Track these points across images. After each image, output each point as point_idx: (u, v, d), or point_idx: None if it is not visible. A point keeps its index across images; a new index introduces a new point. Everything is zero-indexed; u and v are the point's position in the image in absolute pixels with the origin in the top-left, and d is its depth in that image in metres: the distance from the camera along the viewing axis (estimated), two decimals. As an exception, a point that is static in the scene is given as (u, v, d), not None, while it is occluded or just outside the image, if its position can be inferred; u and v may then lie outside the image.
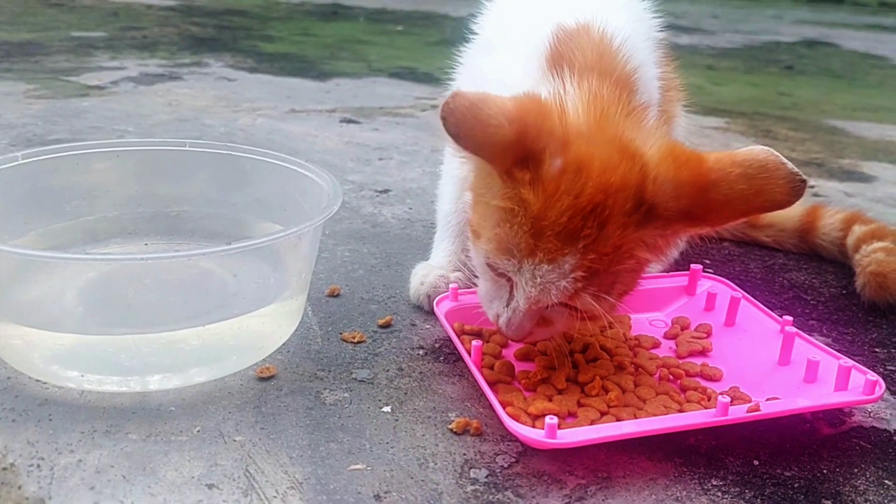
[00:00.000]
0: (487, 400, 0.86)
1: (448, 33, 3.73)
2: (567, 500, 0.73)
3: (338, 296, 1.09)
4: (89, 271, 0.96)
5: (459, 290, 1.01)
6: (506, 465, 0.78)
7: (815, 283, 1.23)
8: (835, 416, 0.88)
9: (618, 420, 0.81)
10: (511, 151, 0.73)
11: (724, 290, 1.05)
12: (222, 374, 0.88)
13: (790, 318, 0.97)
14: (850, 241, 1.23)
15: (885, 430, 0.87)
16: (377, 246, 1.27)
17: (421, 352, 0.97)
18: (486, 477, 0.76)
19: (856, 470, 0.80)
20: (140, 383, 0.84)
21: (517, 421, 0.78)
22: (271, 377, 0.90)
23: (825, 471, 0.80)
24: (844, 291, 1.20)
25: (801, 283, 1.23)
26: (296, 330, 0.98)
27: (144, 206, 1.11)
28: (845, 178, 1.85)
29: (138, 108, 2.03)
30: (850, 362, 0.85)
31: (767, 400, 0.85)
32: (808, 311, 1.13)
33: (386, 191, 1.53)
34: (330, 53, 3.03)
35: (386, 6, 4.47)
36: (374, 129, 1.98)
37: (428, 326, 1.03)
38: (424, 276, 1.06)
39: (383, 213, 1.41)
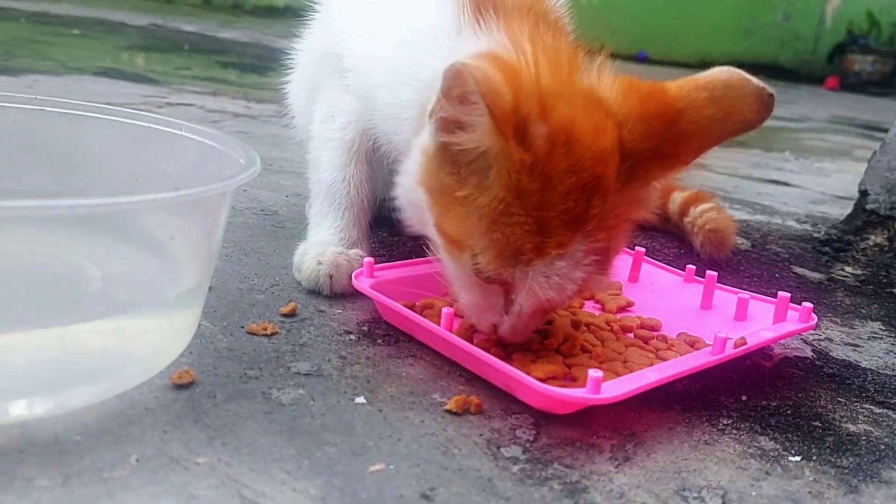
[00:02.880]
0: (466, 376, 0.75)
1: (137, 40, 3.36)
2: (617, 463, 0.65)
3: (210, 289, 0.87)
4: None
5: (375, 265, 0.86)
6: (531, 439, 0.67)
7: (655, 246, 1.29)
8: (764, 351, 0.91)
9: (616, 375, 0.74)
10: (511, 122, 0.62)
11: (619, 249, 1.04)
12: (120, 389, 0.64)
13: (693, 267, 0.99)
14: (673, 207, 1.31)
15: (806, 357, 0.92)
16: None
17: (352, 336, 0.81)
18: (523, 453, 0.64)
19: (812, 393, 0.83)
20: None
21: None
22: (191, 383, 0.67)
23: (793, 398, 0.81)
24: (682, 252, 1.27)
25: (645, 247, 1.27)
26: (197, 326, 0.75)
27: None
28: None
29: None
30: (786, 295, 0.88)
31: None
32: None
33: (181, 182, 1.29)
34: (6, 51, 2.52)
35: (47, 10, 3.89)
36: (119, 124, 1.67)
37: (339, 311, 0.86)
38: (320, 254, 0.89)
39: (196, 203, 1.18)
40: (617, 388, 0.66)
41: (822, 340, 0.99)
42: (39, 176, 0.83)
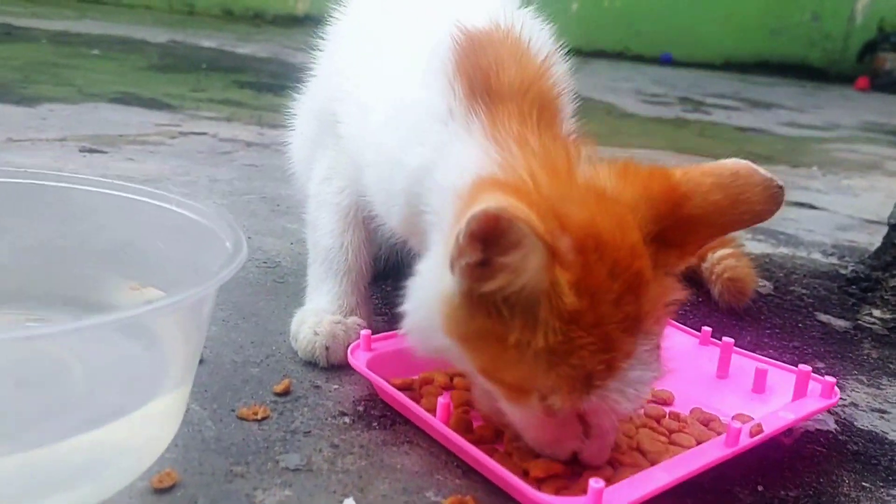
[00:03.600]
0: (463, 468, 0.71)
1: (156, 59, 3.36)
2: (620, 575, 0.61)
3: (202, 361, 0.84)
4: None
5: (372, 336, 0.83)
6: (530, 546, 0.63)
7: (672, 293, 1.24)
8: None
9: (623, 465, 0.70)
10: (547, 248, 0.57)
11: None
12: (97, 499, 0.61)
13: (709, 329, 0.94)
14: (691, 251, 1.26)
15: (828, 430, 0.87)
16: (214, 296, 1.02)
17: (346, 419, 0.78)
18: (520, 566, 0.60)
19: (834, 477, 0.78)
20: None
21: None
22: (174, 486, 0.64)
23: (814, 484, 0.77)
24: (700, 300, 1.22)
25: (662, 295, 1.23)
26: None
27: None
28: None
29: None
30: (807, 368, 0.83)
31: (733, 418, 0.81)
32: (682, 321, 1.13)
33: (185, 229, 1.26)
34: (24, 76, 2.53)
35: (69, 28, 3.91)
36: (129, 160, 1.66)
37: (336, 386, 0.83)
38: (316, 324, 0.86)
39: (198, 256, 1.15)
40: (620, 496, 0.62)
41: (846, 406, 0.94)
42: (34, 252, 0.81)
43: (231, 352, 0.87)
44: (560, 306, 0.59)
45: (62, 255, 0.79)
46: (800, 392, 0.83)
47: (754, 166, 0.67)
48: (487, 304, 0.61)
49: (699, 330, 0.96)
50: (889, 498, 0.76)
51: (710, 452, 0.70)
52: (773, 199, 0.66)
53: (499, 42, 0.74)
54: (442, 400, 0.72)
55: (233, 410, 0.76)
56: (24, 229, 0.80)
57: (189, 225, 0.75)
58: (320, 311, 0.88)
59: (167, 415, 0.66)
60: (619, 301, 0.60)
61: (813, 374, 0.83)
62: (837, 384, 0.83)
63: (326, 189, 0.90)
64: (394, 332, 0.86)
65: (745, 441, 0.72)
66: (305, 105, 1.00)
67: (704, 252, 1.24)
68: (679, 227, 0.65)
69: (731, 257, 1.20)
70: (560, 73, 0.76)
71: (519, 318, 0.60)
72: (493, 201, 0.56)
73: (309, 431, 0.74)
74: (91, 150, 1.69)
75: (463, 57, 0.73)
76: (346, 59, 0.87)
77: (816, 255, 1.59)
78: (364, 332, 0.83)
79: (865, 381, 1.02)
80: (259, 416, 0.75)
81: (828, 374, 1.02)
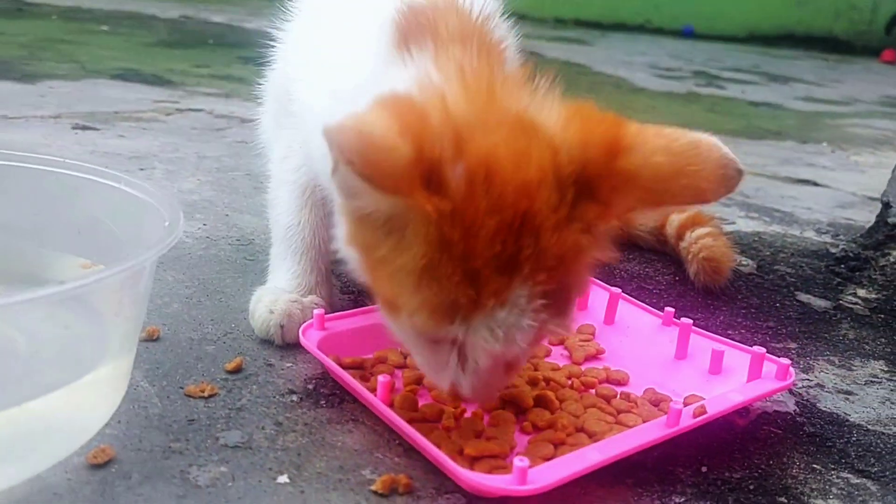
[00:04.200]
0: (404, 446, 0.71)
1: (164, 35, 3.37)
2: (545, 554, 0.61)
3: (158, 339, 0.85)
4: None
5: (326, 316, 0.83)
6: (458, 525, 0.63)
7: (649, 272, 1.23)
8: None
9: (570, 446, 0.70)
10: (416, 174, 0.56)
11: (596, 289, 0.99)
12: (34, 470, 0.62)
13: (672, 310, 0.94)
14: (670, 230, 1.25)
15: (787, 412, 0.87)
16: (182, 272, 1.03)
17: (294, 397, 0.78)
18: (444, 545, 0.61)
19: (785, 459, 0.78)
20: None
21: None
22: (109, 461, 0.65)
23: (762, 466, 0.76)
24: (677, 278, 1.21)
25: (638, 273, 1.22)
26: (124, 393, 0.73)
27: None
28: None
29: None
30: (762, 350, 0.82)
31: (686, 399, 0.80)
32: (654, 300, 1.12)
33: (164, 206, 1.27)
34: (29, 53, 2.55)
35: (80, 4, 3.92)
36: (120, 136, 1.67)
37: (289, 364, 0.84)
38: (272, 302, 0.87)
39: (173, 233, 1.16)
40: (547, 475, 0.62)
41: (812, 387, 0.93)
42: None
43: (189, 329, 0.88)
44: (428, 233, 0.58)
45: (15, 234, 0.80)
46: (754, 373, 0.82)
47: (720, 143, 0.60)
48: (366, 221, 0.62)
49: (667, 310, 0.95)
50: (838, 480, 0.75)
51: (649, 433, 0.70)
52: (724, 180, 0.60)
53: (442, 8, 0.73)
54: (382, 379, 0.72)
55: (181, 388, 0.77)
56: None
57: (136, 204, 0.75)
58: (278, 290, 0.89)
59: (106, 388, 0.68)
60: (495, 237, 0.58)
61: (768, 355, 0.82)
62: (805, 365, 0.82)
63: (284, 167, 0.90)
64: (349, 311, 0.86)
65: (688, 422, 0.71)
66: (269, 85, 0.99)
67: (682, 230, 1.23)
68: (608, 181, 0.60)
69: (708, 236, 1.18)
70: (503, 31, 0.76)
71: (391, 237, 0.60)
72: (344, 121, 0.55)
73: (254, 409, 0.75)
74: (84, 128, 1.70)
75: (405, 26, 0.72)
76: (300, 40, 0.87)
77: (810, 234, 1.56)
78: (317, 311, 0.83)
79: (836, 361, 1.01)
80: (206, 394, 0.76)
81: (799, 354, 1.01)
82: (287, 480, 0.66)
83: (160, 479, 0.64)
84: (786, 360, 0.81)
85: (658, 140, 0.61)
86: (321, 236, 0.90)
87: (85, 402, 0.65)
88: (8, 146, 1.45)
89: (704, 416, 0.73)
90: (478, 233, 0.58)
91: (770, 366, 0.82)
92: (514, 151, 0.60)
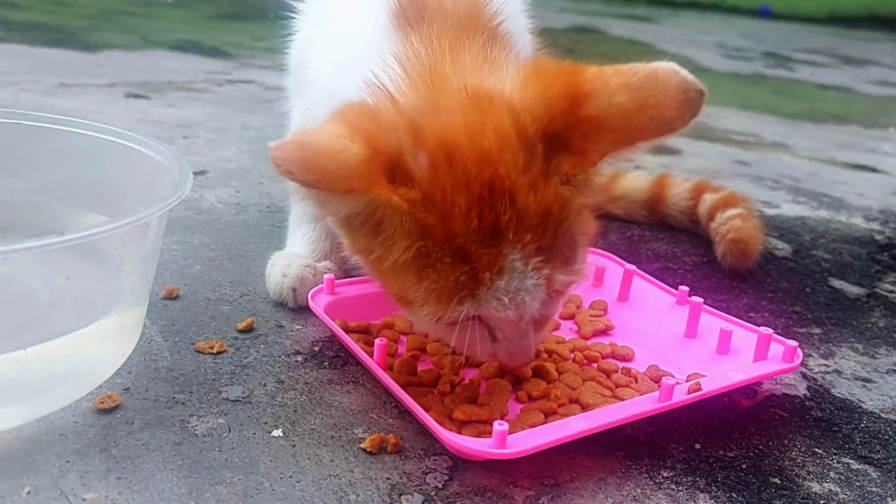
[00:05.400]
0: (399, 409, 0.73)
1: (225, 8, 3.44)
2: (522, 519, 0.62)
3: (177, 297, 0.89)
4: None
5: (335, 281, 0.86)
6: (440, 486, 0.65)
7: (676, 252, 1.21)
8: (748, 386, 0.84)
9: (561, 416, 0.71)
10: (375, 170, 0.57)
11: (612, 265, 0.99)
12: (44, 412, 0.66)
13: (686, 289, 0.93)
14: (702, 210, 1.23)
15: (796, 395, 0.85)
16: (209, 236, 1.07)
17: (299, 358, 0.81)
18: (423, 503, 0.62)
19: (786, 441, 0.77)
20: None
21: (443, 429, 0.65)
22: (115, 408, 0.69)
23: (761, 446, 0.75)
24: (705, 259, 1.19)
25: (664, 252, 1.21)
26: (135, 345, 0.77)
27: None
28: (657, 152, 1.91)
29: None
30: (768, 331, 0.81)
31: (688, 377, 0.80)
32: (678, 280, 1.11)
33: (202, 172, 1.32)
34: (92, 24, 2.64)
35: (148, -23, 4.04)
36: (169, 105, 1.72)
37: (299, 327, 0.86)
38: (286, 266, 0.89)
39: (206, 198, 1.20)
40: (526, 440, 0.63)
41: (828, 373, 0.91)
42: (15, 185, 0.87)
43: (208, 290, 0.92)
44: (405, 225, 0.59)
45: (42, 193, 0.85)
46: (760, 354, 0.81)
47: (678, 69, 0.59)
48: (352, 225, 0.63)
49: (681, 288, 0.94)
50: (838, 465, 0.74)
51: (638, 406, 0.70)
52: (688, 104, 0.58)
53: None
54: (379, 342, 0.74)
55: (192, 344, 0.80)
56: (4, 167, 0.85)
57: (154, 166, 0.79)
58: (293, 255, 0.92)
59: (115, 338, 0.71)
60: (469, 212, 0.59)
61: (775, 336, 0.81)
62: (826, 351, 0.81)
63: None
64: (360, 277, 0.88)
65: (680, 398, 0.71)
66: (292, 53, 1.01)
67: (714, 210, 1.21)
68: (577, 130, 0.60)
69: (737, 218, 1.16)
70: (505, 6, 0.75)
71: (377, 237, 0.62)
72: (283, 140, 0.58)
73: (259, 367, 0.78)
74: (135, 96, 1.76)
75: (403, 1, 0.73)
76: (315, 11, 0.88)
77: (857, 220, 1.52)
78: (328, 276, 0.86)
79: (861, 349, 0.98)
80: (215, 351, 0.79)
81: (822, 340, 0.99)
82: (280, 434, 0.68)
83: (160, 427, 0.67)
84: (793, 342, 0.80)
85: (617, 79, 0.60)
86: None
87: (93, 350, 0.69)
88: (60, 112, 1.51)
89: (698, 393, 0.72)
90: (451, 212, 0.59)
91: (778, 347, 0.81)
92: (468, 125, 0.61)
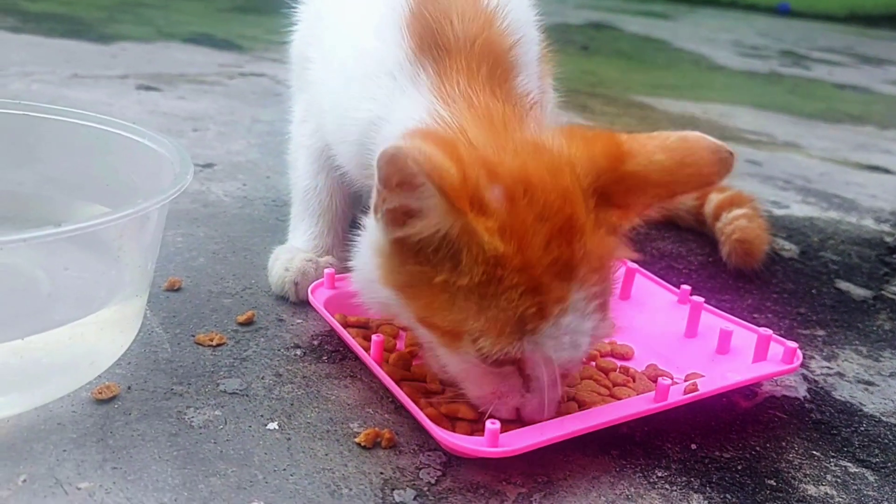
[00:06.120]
0: (395, 404, 0.73)
1: (241, 1, 3.45)
2: (514, 516, 0.62)
3: (179, 290, 0.89)
4: None
5: (336, 276, 0.86)
6: (433, 481, 0.65)
7: (682, 251, 1.21)
8: (747, 387, 0.84)
9: (558, 415, 0.71)
10: (464, 196, 0.57)
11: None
12: (43, 401, 0.67)
13: (688, 288, 0.92)
14: (708, 209, 1.23)
15: (796, 397, 0.85)
16: (214, 229, 1.07)
17: (298, 352, 0.81)
18: (415, 499, 0.63)
19: (784, 443, 0.76)
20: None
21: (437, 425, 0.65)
22: (113, 398, 0.70)
23: (758, 448, 0.75)
24: (710, 259, 1.19)
25: (669, 252, 1.21)
26: (135, 336, 0.77)
27: None
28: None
29: None
30: (768, 332, 0.81)
31: (687, 376, 0.79)
32: (682, 279, 1.10)
33: (210, 165, 1.32)
34: (108, 15, 2.66)
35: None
36: (180, 98, 1.73)
37: (299, 321, 0.87)
38: (288, 260, 0.90)
39: (213, 191, 1.21)
40: (518, 439, 0.63)
41: (830, 375, 0.90)
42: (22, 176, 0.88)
43: (211, 282, 0.92)
44: (483, 252, 0.59)
45: (48, 184, 0.86)
46: (760, 355, 0.80)
47: (703, 135, 0.67)
48: (415, 250, 0.63)
49: (683, 287, 0.93)
50: (836, 468, 0.73)
51: (633, 406, 0.70)
52: (723, 163, 0.66)
53: (447, 7, 0.73)
54: (375, 338, 0.74)
55: (192, 336, 0.81)
56: (13, 157, 0.86)
57: (157, 158, 0.79)
58: (295, 249, 0.92)
59: (114, 328, 0.72)
60: (549, 244, 0.60)
61: (775, 337, 0.81)
62: (829, 353, 0.81)
63: (302, 131, 0.92)
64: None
65: (675, 398, 0.71)
66: (293, 47, 1.01)
67: (719, 210, 1.20)
68: (621, 185, 0.65)
69: (743, 218, 1.15)
70: (516, 20, 0.75)
71: (446, 262, 0.61)
72: (400, 143, 0.57)
73: (258, 360, 0.78)
74: (147, 88, 1.77)
75: (415, 7, 0.73)
76: (321, 5, 0.88)
77: (867, 222, 1.50)
78: (328, 271, 0.86)
79: (864, 352, 0.97)
80: (215, 343, 0.80)
81: (825, 342, 0.98)
82: (276, 427, 0.69)
83: (157, 418, 0.68)
84: (793, 343, 0.80)
85: (652, 142, 0.67)
86: (338, 199, 0.93)
87: (93, 341, 0.70)
88: (72, 103, 1.53)
89: (694, 394, 0.72)
90: (532, 240, 0.60)
91: (777, 348, 0.80)
92: (544, 167, 0.63)
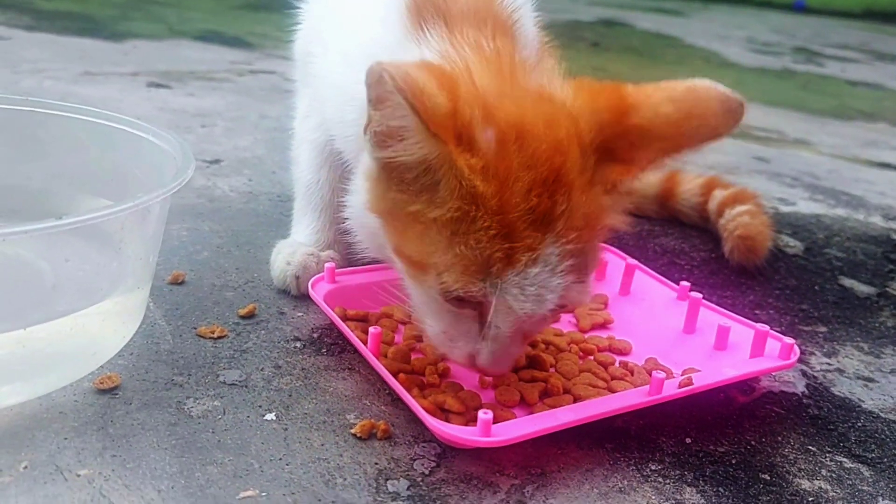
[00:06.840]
0: (392, 396, 0.74)
1: (253, -2, 3.47)
2: (506, 506, 0.63)
3: (182, 283, 0.91)
4: None
5: (336, 270, 0.87)
6: (427, 472, 0.66)
7: (685, 247, 1.21)
8: (745, 383, 0.84)
9: (551, 407, 0.71)
10: (450, 127, 0.58)
11: (615, 259, 0.99)
12: (46, 390, 0.68)
13: (688, 284, 0.93)
14: (712, 206, 1.23)
15: (794, 393, 0.85)
16: (219, 223, 1.08)
17: (298, 344, 0.82)
18: (408, 489, 0.63)
19: (779, 438, 0.77)
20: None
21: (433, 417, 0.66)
22: (114, 388, 0.71)
23: (753, 442, 0.75)
24: (713, 255, 1.19)
25: (672, 248, 1.21)
26: (138, 327, 0.79)
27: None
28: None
29: None
30: (765, 328, 0.81)
31: (684, 371, 0.80)
32: (684, 276, 1.10)
33: (217, 161, 1.34)
34: (121, 13, 2.69)
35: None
36: (189, 95, 1.75)
37: (300, 314, 0.88)
38: (290, 255, 0.91)
39: (219, 186, 1.22)
40: (510, 430, 0.64)
41: (829, 371, 0.90)
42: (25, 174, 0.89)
43: (214, 276, 0.93)
44: (461, 187, 0.59)
45: (54, 178, 0.87)
46: (757, 351, 0.81)
47: (713, 83, 0.64)
48: (398, 178, 0.63)
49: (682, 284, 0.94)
50: (831, 463, 0.74)
51: (627, 399, 0.70)
52: (732, 113, 0.63)
53: None
54: (373, 330, 0.75)
55: (194, 328, 0.82)
56: (22, 153, 0.88)
57: (160, 154, 0.80)
58: (297, 243, 0.93)
59: (116, 320, 0.73)
60: (530, 192, 0.60)
61: (772, 332, 0.81)
62: (830, 349, 0.81)
63: (305, 126, 0.93)
64: (361, 267, 0.90)
65: (670, 392, 0.71)
66: (297, 44, 1.02)
67: (723, 207, 1.20)
68: (626, 139, 0.63)
69: (746, 214, 1.15)
70: (517, 4, 0.76)
71: (424, 193, 0.62)
72: (385, 61, 0.57)
73: (258, 352, 0.79)
74: (157, 85, 1.79)
75: (419, 2, 0.73)
76: (324, 2, 0.89)
77: (875, 219, 1.50)
78: (329, 264, 0.87)
79: (866, 348, 0.97)
80: (216, 335, 0.81)
81: (826, 338, 0.98)
82: (273, 418, 0.70)
83: (157, 408, 0.69)
84: (790, 339, 0.80)
85: (659, 93, 0.64)
86: (340, 194, 0.93)
87: (95, 332, 0.71)
88: (82, 100, 1.54)
89: (687, 388, 0.72)
90: (513, 186, 0.60)
91: (775, 344, 0.81)
92: (542, 116, 0.62)
